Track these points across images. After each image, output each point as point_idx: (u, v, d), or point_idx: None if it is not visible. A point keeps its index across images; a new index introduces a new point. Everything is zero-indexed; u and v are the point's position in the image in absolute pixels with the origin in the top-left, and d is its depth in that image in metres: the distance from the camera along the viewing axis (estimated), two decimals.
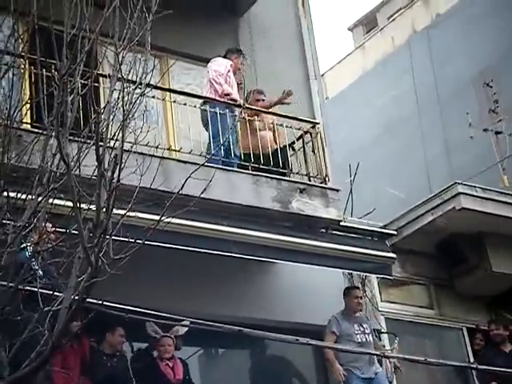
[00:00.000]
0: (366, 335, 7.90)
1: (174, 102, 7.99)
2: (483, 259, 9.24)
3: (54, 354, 4.28)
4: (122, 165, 4.30)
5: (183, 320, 5.57)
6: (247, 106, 7.98)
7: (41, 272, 4.81)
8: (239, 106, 8.06)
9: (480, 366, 7.21)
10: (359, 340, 7.79)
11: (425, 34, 13.27)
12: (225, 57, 8.53)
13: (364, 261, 8.42)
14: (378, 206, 9.77)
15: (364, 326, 7.96)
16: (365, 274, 8.84)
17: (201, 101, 8.04)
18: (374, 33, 14.81)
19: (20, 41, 4.92)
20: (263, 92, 8.74)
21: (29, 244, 4.94)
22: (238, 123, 8.01)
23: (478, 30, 12.71)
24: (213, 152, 7.36)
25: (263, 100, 8.64)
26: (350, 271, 8.72)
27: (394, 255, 8.63)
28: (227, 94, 8.15)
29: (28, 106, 5.53)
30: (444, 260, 9.47)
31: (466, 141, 11.39)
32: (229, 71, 8.32)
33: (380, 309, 9.01)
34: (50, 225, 4.50)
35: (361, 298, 8.16)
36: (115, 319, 5.41)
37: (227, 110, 7.92)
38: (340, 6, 41.39)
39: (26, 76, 6.14)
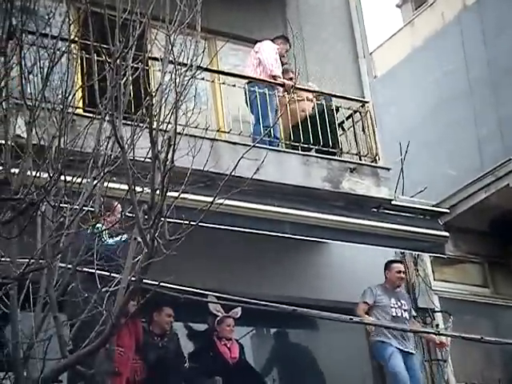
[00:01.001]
0: (403, 311, 7.70)
1: (223, 83, 8.02)
2: None
3: (114, 334, 4.37)
4: (175, 147, 4.34)
5: (238, 300, 5.60)
6: (297, 86, 7.95)
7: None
8: (290, 86, 8.04)
9: None
10: (394, 314, 7.61)
11: (475, 8, 13.00)
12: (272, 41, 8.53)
13: (416, 239, 8.37)
14: (430, 184, 9.68)
15: (402, 301, 7.76)
16: (417, 252, 8.78)
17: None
18: (423, 9, 14.55)
19: (72, 26, 4.99)
20: (292, 71, 8.60)
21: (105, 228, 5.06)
22: (278, 104, 8.01)
23: None
24: (264, 133, 7.36)
25: (290, 79, 8.62)
26: (403, 250, 8.67)
27: (447, 234, 8.57)
28: (275, 76, 8.15)
29: (81, 90, 5.62)
30: (498, 238, 9.35)
31: None
32: (276, 54, 8.34)
33: (433, 288, 8.95)
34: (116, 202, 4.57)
35: (403, 272, 7.92)
36: (162, 299, 5.47)
37: (272, 91, 7.92)
38: None
39: (79, 61, 6.24)
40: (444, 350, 7.98)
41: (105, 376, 5.52)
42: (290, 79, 8.44)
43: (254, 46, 8.48)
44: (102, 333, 4.32)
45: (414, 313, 8.00)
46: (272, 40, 8.58)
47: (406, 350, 7.56)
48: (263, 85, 8.00)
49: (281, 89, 8.21)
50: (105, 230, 5.07)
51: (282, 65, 8.55)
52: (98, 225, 4.95)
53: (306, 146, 8.02)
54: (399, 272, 7.86)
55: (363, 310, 7.55)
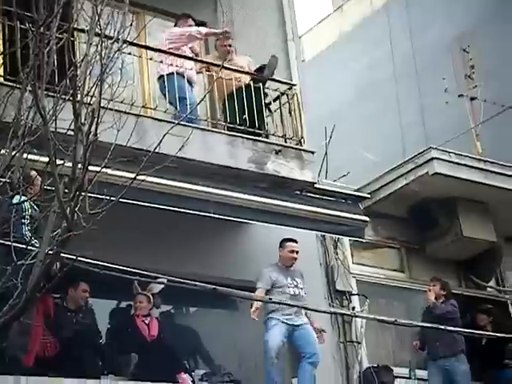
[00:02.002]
0: (300, 289, 7.69)
1: (151, 59, 7.93)
2: (454, 224, 9.34)
3: (28, 307, 4.29)
4: (99, 120, 4.27)
5: (158, 277, 5.58)
6: (225, 65, 7.92)
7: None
8: (217, 65, 8.01)
9: (449, 328, 7.30)
10: (292, 293, 7.58)
11: None
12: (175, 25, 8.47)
13: (337, 223, 8.48)
14: (353, 169, 9.83)
15: (297, 280, 7.72)
16: (337, 236, 8.91)
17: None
18: None
19: None
20: (231, 37, 8.63)
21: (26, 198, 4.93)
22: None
23: None
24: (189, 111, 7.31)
25: (230, 46, 8.58)
26: (323, 233, 8.78)
27: (366, 218, 8.70)
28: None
29: (1, 58, 5.46)
30: (416, 224, 9.56)
31: (441, 106, 11.43)
32: (199, 34, 8.30)
33: (351, 271, 9.10)
34: (35, 173, 4.47)
35: (296, 252, 7.79)
36: (77, 275, 5.40)
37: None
38: None
39: (0, 28, 6.05)
40: (321, 339, 7.91)
41: (17, 351, 5.42)
42: (228, 46, 8.43)
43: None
44: (16, 306, 4.23)
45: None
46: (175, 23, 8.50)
47: (293, 323, 7.50)
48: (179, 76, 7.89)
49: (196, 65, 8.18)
50: (24, 201, 4.94)
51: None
52: (16, 197, 4.83)
53: (231, 125, 8.03)
54: (292, 252, 7.78)
55: (262, 294, 7.46)
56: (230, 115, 7.97)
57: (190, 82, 8.05)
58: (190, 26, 8.45)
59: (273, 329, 7.42)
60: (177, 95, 7.76)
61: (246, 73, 8.36)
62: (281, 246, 7.89)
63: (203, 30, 8.38)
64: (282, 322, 7.46)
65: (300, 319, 7.58)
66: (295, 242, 7.89)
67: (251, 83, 8.17)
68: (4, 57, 5.30)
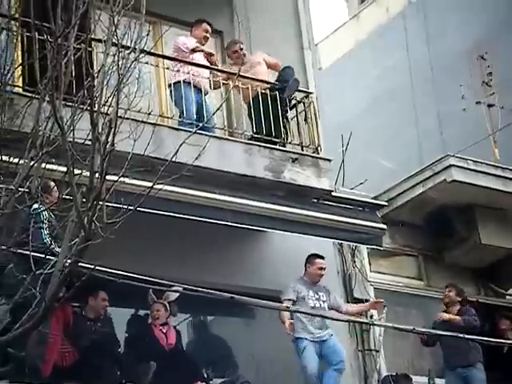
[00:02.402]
0: (321, 302, 7.76)
1: (168, 68, 7.97)
2: (473, 231, 9.29)
3: (47, 316, 4.31)
4: (116, 130, 4.29)
5: (174, 286, 5.59)
6: (241, 74, 7.94)
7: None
8: (233, 74, 8.02)
9: (469, 337, 7.22)
10: (312, 305, 7.64)
11: (419, 5, 13.20)
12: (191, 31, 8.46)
13: (354, 231, 8.46)
14: (370, 176, 9.80)
15: (320, 293, 7.79)
16: (355, 244, 8.89)
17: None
18: (369, 3, 14.70)
19: (13, 3, 4.89)
20: (239, 41, 8.62)
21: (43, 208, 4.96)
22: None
23: (473, 2, 12.65)
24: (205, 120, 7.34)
25: (241, 49, 8.57)
26: (341, 241, 8.77)
27: (384, 226, 8.68)
28: (194, 50, 8.06)
29: (20, 69, 5.50)
30: (434, 232, 9.52)
31: (458, 113, 11.40)
32: (186, 48, 8.17)
33: (369, 279, 9.07)
34: (53, 183, 4.50)
35: (324, 269, 7.92)
36: (98, 284, 5.42)
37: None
38: None
39: (19, 39, 6.10)
40: (381, 308, 7.97)
41: (36, 360, 5.44)
42: (239, 51, 8.41)
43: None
44: (35, 315, 4.25)
45: (339, 303, 8.00)
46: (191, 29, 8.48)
47: (320, 339, 7.60)
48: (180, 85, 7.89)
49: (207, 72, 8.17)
50: (43, 210, 4.97)
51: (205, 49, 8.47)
52: (34, 205, 4.87)
53: (248, 134, 8.05)
54: (321, 268, 7.90)
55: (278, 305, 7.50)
56: (247, 124, 7.98)
57: (200, 90, 8.01)
58: (206, 30, 8.43)
59: (306, 352, 7.47)
60: (184, 104, 7.79)
61: (265, 82, 8.34)
62: (309, 261, 7.95)
63: (191, 44, 8.15)
64: (312, 341, 7.52)
65: (327, 333, 7.64)
66: (322, 258, 7.98)
67: (268, 92, 8.18)
68: (22, 68, 5.34)
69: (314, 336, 7.58)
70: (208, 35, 8.49)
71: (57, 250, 4.68)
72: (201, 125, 6.60)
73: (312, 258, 7.95)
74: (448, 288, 8.66)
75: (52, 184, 4.53)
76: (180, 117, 7.76)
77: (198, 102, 7.88)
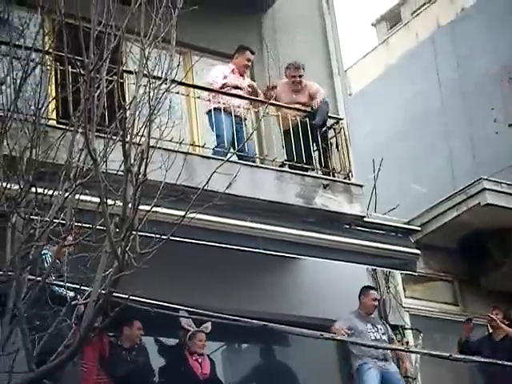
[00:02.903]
0: (381, 334, 7.83)
1: (198, 97, 8.03)
2: (508, 255, 9.19)
3: (82, 348, 4.33)
4: (148, 160, 4.33)
5: (210, 315, 5.57)
6: (272, 102, 7.98)
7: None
8: (263, 102, 8.07)
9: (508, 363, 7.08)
10: (373, 337, 7.72)
11: (449, 28, 13.18)
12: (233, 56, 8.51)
13: (388, 257, 8.41)
14: (402, 201, 9.75)
15: (378, 326, 7.90)
16: (389, 269, 8.83)
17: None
18: (398, 28, 14.73)
19: (47, 38, 4.98)
20: (301, 66, 8.56)
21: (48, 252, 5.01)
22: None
23: (503, 25, 12.59)
24: (237, 148, 7.38)
25: (300, 76, 8.54)
26: (374, 267, 8.71)
27: (418, 251, 8.61)
28: (220, 88, 8.08)
29: (54, 102, 5.59)
30: (468, 256, 9.42)
31: (490, 136, 11.31)
32: (225, 77, 8.24)
33: (404, 305, 8.99)
34: (71, 238, 4.53)
35: (378, 300, 8.04)
36: (133, 313, 5.44)
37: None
38: (363, 1, 41.22)
39: (52, 73, 6.21)
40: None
41: None
42: (298, 77, 8.38)
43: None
44: (70, 346, 4.27)
45: (392, 335, 8.03)
46: (233, 56, 8.52)
47: (386, 370, 7.65)
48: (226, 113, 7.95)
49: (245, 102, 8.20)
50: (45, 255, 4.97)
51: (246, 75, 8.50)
52: (44, 251, 4.90)
53: (280, 161, 8.07)
54: (374, 299, 7.99)
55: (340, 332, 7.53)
56: (279, 151, 8.01)
57: (237, 116, 8.06)
58: (248, 59, 8.46)
59: (368, 374, 7.50)
60: (217, 131, 7.84)
61: (297, 109, 8.36)
62: (363, 293, 8.02)
63: (219, 82, 8.13)
64: (375, 368, 7.55)
65: (391, 366, 7.69)
66: (376, 289, 8.15)
67: (298, 119, 8.20)
68: (56, 101, 5.43)
69: (379, 365, 7.61)
70: (249, 64, 8.53)
71: (67, 293, 4.71)
72: (232, 153, 6.63)
73: (366, 289, 8.07)
74: (495, 311, 8.54)
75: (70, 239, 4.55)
76: (217, 144, 7.80)
77: (233, 129, 7.89)
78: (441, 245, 9.32)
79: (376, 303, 8.03)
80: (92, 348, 6.37)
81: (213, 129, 7.95)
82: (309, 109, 8.37)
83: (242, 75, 8.44)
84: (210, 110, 7.93)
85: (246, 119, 8.16)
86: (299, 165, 8.00)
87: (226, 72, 8.30)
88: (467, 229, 9.20)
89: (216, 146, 7.78)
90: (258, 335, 7.64)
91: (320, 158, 8.21)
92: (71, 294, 4.71)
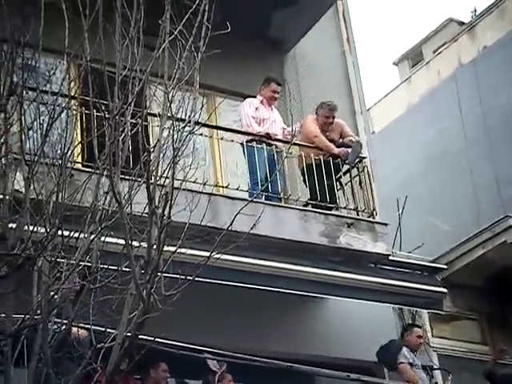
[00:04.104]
0: (431, 377, 7.86)
1: (222, 139, 8.10)
2: None
3: None
4: (172, 202, 4.36)
5: (235, 356, 5.55)
6: (296, 142, 8.02)
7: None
8: (287, 142, 8.11)
9: None
10: (421, 376, 7.68)
11: (471, 66, 13.20)
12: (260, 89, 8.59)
13: (414, 295, 8.34)
14: (426, 239, 9.68)
15: (430, 364, 7.98)
16: (415, 309, 8.74)
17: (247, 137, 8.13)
18: (420, 66, 14.78)
19: (72, 83, 5.06)
20: (336, 108, 8.64)
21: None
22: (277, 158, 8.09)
23: None
24: (260, 188, 7.41)
25: (333, 118, 8.59)
26: (401, 306, 8.63)
27: (445, 290, 8.54)
28: (260, 134, 8.18)
29: (79, 146, 5.66)
30: (496, 294, 9.30)
31: None
32: (256, 109, 8.35)
33: (432, 344, 8.88)
34: (78, 279, 4.56)
35: (422, 337, 8.02)
36: (158, 355, 5.41)
37: (264, 145, 7.99)
38: (385, 41, 41.47)
39: (78, 117, 6.31)
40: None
41: None
42: (331, 118, 8.43)
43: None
44: None
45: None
46: (260, 88, 8.59)
47: None
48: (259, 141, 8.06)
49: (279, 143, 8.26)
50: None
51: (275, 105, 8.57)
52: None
53: (303, 200, 8.08)
54: (420, 337, 7.95)
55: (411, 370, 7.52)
56: (302, 190, 8.02)
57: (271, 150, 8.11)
58: (274, 91, 8.52)
59: None
60: (251, 167, 7.89)
61: (318, 148, 8.38)
62: (407, 330, 8.02)
63: (254, 129, 8.23)
64: None
65: None
66: (420, 327, 8.15)
67: (321, 158, 8.22)
68: (82, 144, 5.51)
69: None
70: (276, 95, 8.58)
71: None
72: (255, 194, 6.66)
73: (410, 327, 8.07)
74: None
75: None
76: (252, 184, 7.82)
77: (267, 166, 7.92)
78: (467, 283, 9.22)
79: (421, 340, 7.97)
80: None
81: (246, 160, 7.98)
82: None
83: (270, 106, 8.51)
84: (243, 143, 7.98)
85: (280, 149, 8.17)
86: (323, 204, 8.00)
87: (256, 104, 8.40)
88: (493, 266, 9.12)
89: (251, 187, 7.76)
90: (281, 376, 7.56)
91: (344, 197, 8.21)
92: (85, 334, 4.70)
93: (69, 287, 4.44)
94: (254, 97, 8.61)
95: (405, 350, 7.74)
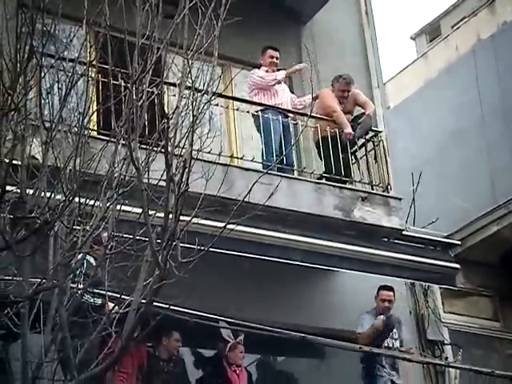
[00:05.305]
0: (394, 340, 7.63)
1: (237, 109, 8.08)
2: None
3: (123, 356, 4.37)
4: (190, 169, 4.36)
5: (250, 326, 5.58)
6: (313, 115, 7.99)
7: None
8: (305, 114, 8.08)
9: None
10: (385, 344, 7.53)
11: (490, 42, 13.04)
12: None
13: (427, 271, 8.34)
14: (442, 215, 9.65)
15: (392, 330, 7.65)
16: (427, 284, 8.75)
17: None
18: (437, 42, 14.63)
19: (91, 50, 5.06)
20: (352, 82, 8.57)
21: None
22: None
23: None
24: (276, 159, 7.40)
25: (348, 91, 8.54)
26: (413, 281, 8.64)
27: (457, 266, 8.54)
28: (275, 80, 8.19)
29: (96, 113, 5.66)
30: (509, 271, 9.28)
31: None
32: (262, 78, 8.35)
33: (443, 320, 8.89)
34: (106, 234, 4.58)
35: (389, 301, 7.72)
36: (171, 324, 5.44)
37: (280, 117, 7.99)
38: (403, 15, 41.09)
39: (95, 84, 6.29)
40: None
41: None
42: (347, 92, 8.39)
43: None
44: (110, 355, 4.31)
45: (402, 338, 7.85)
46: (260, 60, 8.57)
47: (396, 381, 7.52)
48: (274, 111, 8.05)
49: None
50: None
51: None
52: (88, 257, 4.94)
53: (318, 173, 8.07)
54: (383, 301, 7.72)
55: (368, 336, 7.42)
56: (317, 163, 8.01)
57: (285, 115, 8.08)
58: (271, 56, 8.51)
59: None
60: (265, 138, 7.88)
61: (333, 121, 8.34)
62: (377, 293, 7.83)
63: (265, 76, 8.31)
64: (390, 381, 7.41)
65: (399, 379, 7.51)
66: (390, 289, 7.81)
67: (337, 131, 8.19)
68: (98, 112, 5.51)
69: (390, 376, 7.47)
70: (275, 60, 8.55)
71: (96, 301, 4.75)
72: (271, 165, 6.65)
73: (378, 290, 7.83)
74: None
75: (105, 236, 4.58)
76: (266, 156, 7.81)
77: (281, 135, 7.88)
78: (481, 259, 9.21)
79: (386, 304, 7.69)
80: (131, 358, 6.39)
81: (260, 132, 7.96)
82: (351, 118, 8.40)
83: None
84: (258, 113, 7.96)
85: (295, 121, 8.15)
86: (338, 177, 7.99)
87: (262, 74, 8.38)
88: (508, 243, 9.09)
89: (265, 159, 7.75)
90: (295, 348, 7.61)
91: (351, 170, 8.18)
92: (99, 301, 4.74)
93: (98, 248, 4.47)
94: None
95: (366, 316, 7.58)
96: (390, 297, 7.76)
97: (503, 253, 9.22)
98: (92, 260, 5.17)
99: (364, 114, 8.42)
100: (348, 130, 8.16)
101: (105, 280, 4.64)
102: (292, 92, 8.83)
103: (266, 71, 8.46)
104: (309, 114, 7.57)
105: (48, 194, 4.39)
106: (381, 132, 8.66)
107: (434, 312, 8.85)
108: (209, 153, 6.20)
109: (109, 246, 4.58)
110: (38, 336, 4.59)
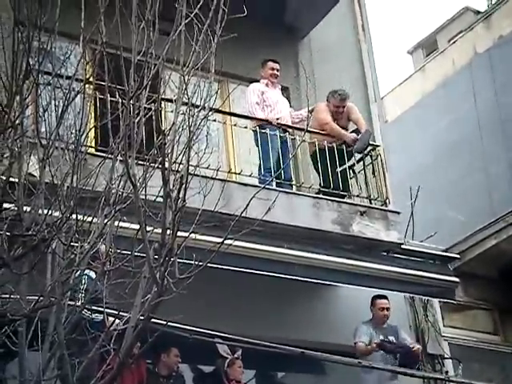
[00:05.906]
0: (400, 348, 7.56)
1: (235, 125, 8.10)
2: None
3: (121, 374, 4.34)
4: (187, 186, 4.36)
5: (247, 341, 5.56)
6: (309, 129, 8.01)
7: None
8: (301, 129, 8.10)
9: None
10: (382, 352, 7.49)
11: (486, 56, 13.11)
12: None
13: (426, 284, 8.33)
14: (440, 228, 9.66)
15: (390, 338, 7.63)
16: (427, 297, 8.73)
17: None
18: (434, 55, 14.70)
19: (88, 67, 5.06)
20: (347, 97, 8.59)
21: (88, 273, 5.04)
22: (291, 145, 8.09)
23: None
24: (273, 175, 7.41)
25: (344, 107, 8.56)
26: (412, 295, 8.62)
27: (457, 279, 8.53)
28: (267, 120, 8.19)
29: (93, 130, 5.67)
30: (508, 284, 9.27)
31: None
32: (262, 93, 8.36)
33: (443, 334, 8.87)
34: (103, 247, 4.58)
35: (387, 309, 7.72)
36: (170, 340, 5.42)
37: (277, 132, 8.01)
38: (400, 29, 41.27)
39: (92, 101, 6.31)
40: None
41: None
42: (342, 108, 8.39)
43: None
44: (108, 372, 4.29)
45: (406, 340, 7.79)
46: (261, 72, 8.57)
47: None
48: (265, 126, 8.06)
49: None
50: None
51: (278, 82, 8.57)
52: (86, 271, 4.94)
53: (316, 188, 8.07)
54: (382, 309, 7.72)
55: (366, 349, 7.41)
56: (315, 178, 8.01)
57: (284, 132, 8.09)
58: (271, 68, 8.55)
59: None
60: (263, 154, 7.89)
61: (331, 136, 8.35)
62: (371, 303, 7.80)
63: (257, 115, 8.28)
64: None
65: (395, 382, 7.45)
66: (385, 298, 7.81)
67: (334, 145, 8.20)
68: (95, 129, 5.52)
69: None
70: (275, 72, 8.57)
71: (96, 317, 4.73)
72: (268, 180, 6.65)
73: (374, 299, 7.83)
74: None
75: (103, 249, 4.57)
76: (263, 170, 7.82)
77: (279, 152, 7.89)
78: (480, 273, 9.20)
79: (385, 312, 7.69)
80: (130, 374, 6.37)
81: (258, 147, 7.97)
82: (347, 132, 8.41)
83: (275, 88, 8.54)
84: (256, 129, 7.97)
85: (293, 136, 8.16)
86: (336, 192, 7.99)
87: (262, 88, 8.41)
88: (506, 257, 9.08)
89: (262, 174, 7.76)
90: (295, 363, 7.58)
91: (357, 185, 8.20)
92: (100, 317, 4.73)
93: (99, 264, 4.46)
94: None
95: (362, 327, 7.57)
96: (386, 304, 7.78)
97: (502, 266, 9.22)
98: (92, 274, 5.16)
99: (357, 130, 8.44)
100: (347, 136, 8.20)
101: (103, 296, 4.63)
102: (290, 106, 8.86)
103: (266, 84, 8.48)
104: (305, 128, 7.57)
105: (45, 211, 4.39)
106: (378, 146, 8.68)
107: (433, 326, 8.84)
108: (207, 168, 6.20)
109: (106, 262, 4.56)
110: (36, 354, 4.57)
